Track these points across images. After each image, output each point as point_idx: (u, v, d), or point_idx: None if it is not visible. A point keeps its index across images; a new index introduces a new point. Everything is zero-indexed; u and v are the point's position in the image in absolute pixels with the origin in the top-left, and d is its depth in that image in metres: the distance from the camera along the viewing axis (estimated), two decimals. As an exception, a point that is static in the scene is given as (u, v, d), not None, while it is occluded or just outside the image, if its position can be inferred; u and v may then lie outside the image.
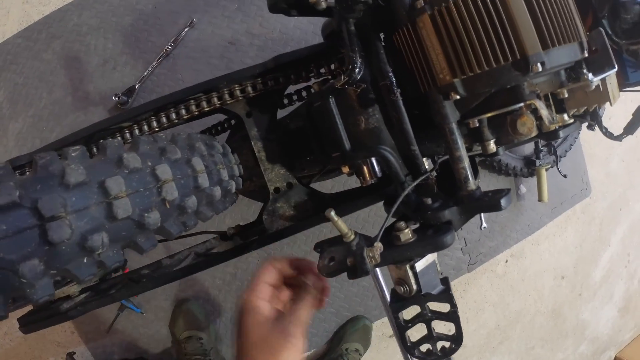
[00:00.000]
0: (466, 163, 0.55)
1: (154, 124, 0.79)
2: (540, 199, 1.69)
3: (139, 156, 0.53)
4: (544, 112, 0.53)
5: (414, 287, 0.56)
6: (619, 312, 2.28)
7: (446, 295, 0.57)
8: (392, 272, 0.57)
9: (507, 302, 1.91)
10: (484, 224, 1.75)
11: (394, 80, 0.54)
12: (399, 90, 0.54)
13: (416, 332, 0.64)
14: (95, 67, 1.59)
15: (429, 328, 0.61)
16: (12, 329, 1.57)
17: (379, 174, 0.62)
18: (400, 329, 0.61)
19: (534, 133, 0.55)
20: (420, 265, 0.55)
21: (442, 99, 0.53)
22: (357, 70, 0.54)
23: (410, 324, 0.61)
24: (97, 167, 0.50)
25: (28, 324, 0.76)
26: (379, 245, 0.51)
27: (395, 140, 0.57)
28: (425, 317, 0.60)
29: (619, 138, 1.01)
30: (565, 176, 1.73)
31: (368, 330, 1.63)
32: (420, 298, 0.57)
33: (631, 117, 0.89)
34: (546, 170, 1.69)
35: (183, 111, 0.77)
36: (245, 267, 1.53)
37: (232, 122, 0.87)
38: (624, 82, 0.92)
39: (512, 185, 1.79)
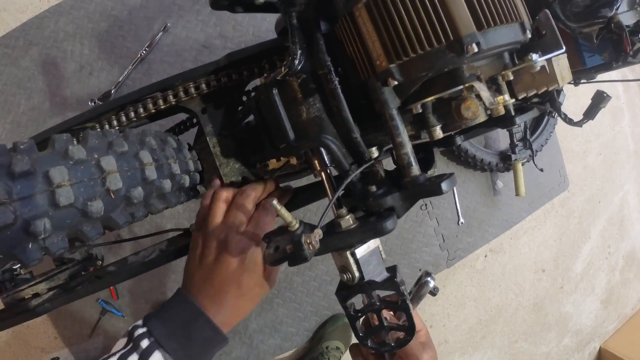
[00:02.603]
0: (409, 149, 0.56)
1: (115, 122, 0.81)
2: (517, 194, 1.69)
3: (85, 149, 0.54)
4: (484, 93, 0.53)
5: (356, 274, 0.56)
6: (602, 304, 2.30)
7: (391, 283, 0.57)
8: (335, 261, 0.58)
9: (488, 297, 1.92)
10: (462, 220, 1.77)
11: (331, 68, 0.55)
12: (337, 78, 0.55)
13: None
14: (72, 72, 1.60)
15: (380, 318, 0.61)
16: (-7, 338, 1.57)
17: (328, 164, 0.63)
18: (351, 318, 0.61)
19: (481, 117, 0.56)
20: (361, 251, 0.56)
21: (381, 86, 0.54)
22: (296, 61, 0.55)
23: (360, 314, 0.61)
24: (44, 158, 0.51)
25: (-1, 322, 0.77)
26: (318, 232, 0.51)
27: (337, 129, 0.58)
28: (374, 307, 0.60)
29: (579, 124, 1.03)
30: (542, 170, 1.75)
31: (348, 328, 1.63)
32: (365, 286, 0.57)
33: (590, 102, 0.90)
34: (522, 164, 1.70)
35: (141, 110, 0.78)
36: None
37: (194, 120, 0.89)
38: (582, 68, 0.93)
39: (489, 181, 1.81)
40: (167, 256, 0.75)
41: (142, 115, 0.79)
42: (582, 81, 1.02)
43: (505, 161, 1.70)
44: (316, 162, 0.63)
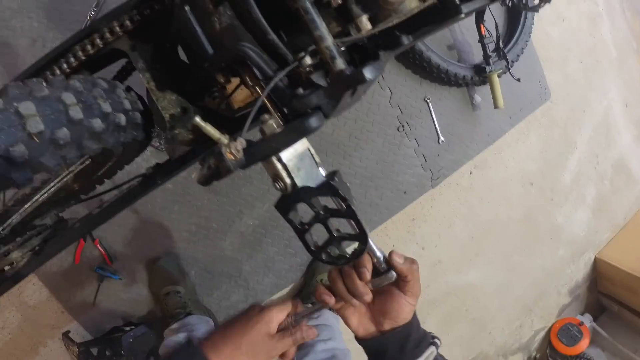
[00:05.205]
0: (330, 42, 0.52)
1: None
2: (496, 106, 1.67)
3: (3, 99, 0.54)
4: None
5: (287, 180, 0.54)
6: (593, 214, 2.30)
7: (328, 187, 0.54)
8: (268, 172, 0.56)
9: (477, 214, 1.93)
10: (442, 138, 1.75)
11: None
12: (241, -20, 0.52)
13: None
14: (26, 48, 1.55)
15: (328, 229, 0.58)
16: (8, 323, 1.60)
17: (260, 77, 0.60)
18: (299, 232, 0.58)
19: (412, 3, 0.53)
20: (288, 155, 0.54)
21: (290, -21, 0.51)
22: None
23: (307, 226, 0.58)
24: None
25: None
26: (240, 141, 0.50)
27: (252, 34, 0.55)
28: (320, 217, 0.56)
29: (535, 9, 0.99)
30: (519, 80, 1.71)
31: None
32: (301, 193, 0.55)
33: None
34: (499, 76, 1.66)
35: (72, 59, 0.76)
36: (207, 215, 1.54)
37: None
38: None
39: (466, 97, 1.77)
40: (124, 201, 0.76)
41: (74, 64, 0.77)
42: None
43: (481, 74, 1.65)
44: (247, 77, 0.61)
